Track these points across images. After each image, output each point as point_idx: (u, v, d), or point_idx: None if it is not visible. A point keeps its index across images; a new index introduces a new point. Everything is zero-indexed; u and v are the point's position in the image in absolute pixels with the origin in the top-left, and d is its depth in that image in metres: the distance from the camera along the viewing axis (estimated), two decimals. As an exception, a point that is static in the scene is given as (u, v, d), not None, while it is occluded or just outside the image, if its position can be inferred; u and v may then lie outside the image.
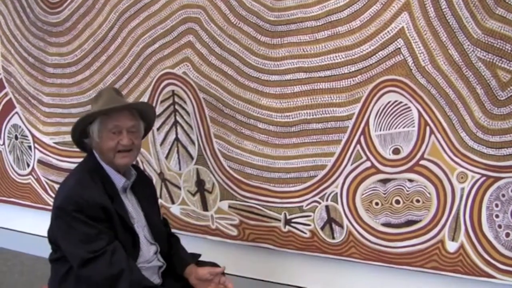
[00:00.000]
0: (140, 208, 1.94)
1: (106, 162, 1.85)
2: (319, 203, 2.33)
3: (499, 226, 2.01)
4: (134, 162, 2.00)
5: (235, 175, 2.51)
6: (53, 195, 3.13)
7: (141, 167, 2.76)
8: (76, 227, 1.70)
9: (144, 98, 2.70)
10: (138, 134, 1.90)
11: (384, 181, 2.18)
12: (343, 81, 2.18)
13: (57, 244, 1.81)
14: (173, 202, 2.74)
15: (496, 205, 2.01)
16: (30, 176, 3.31)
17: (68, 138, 3.05)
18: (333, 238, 2.33)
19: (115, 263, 1.68)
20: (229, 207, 2.56)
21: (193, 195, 2.67)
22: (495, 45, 1.91)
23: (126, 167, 1.89)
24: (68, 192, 1.75)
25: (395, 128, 2.12)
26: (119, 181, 1.85)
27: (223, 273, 1.98)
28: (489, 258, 2.04)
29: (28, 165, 3.30)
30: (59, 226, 1.75)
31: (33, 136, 3.24)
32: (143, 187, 2.00)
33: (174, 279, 1.97)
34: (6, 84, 3.31)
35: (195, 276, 1.94)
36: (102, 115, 1.81)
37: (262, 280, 2.61)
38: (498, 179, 1.99)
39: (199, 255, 2.08)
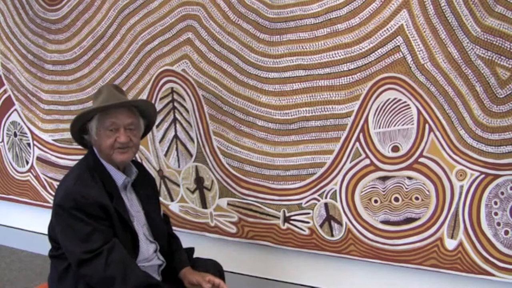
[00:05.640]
0: (141, 206, 1.93)
1: (105, 159, 1.84)
2: (318, 200, 2.33)
3: (498, 224, 2.02)
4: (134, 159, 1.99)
5: (234, 172, 2.51)
6: (52, 193, 3.14)
7: (140, 165, 2.77)
8: (74, 224, 1.69)
9: (143, 95, 2.70)
10: (137, 132, 1.88)
11: (383, 179, 2.18)
12: (342, 78, 2.18)
13: (57, 242, 1.81)
14: (172, 200, 2.74)
15: (495, 203, 2.01)
16: (29, 173, 3.30)
17: (67, 135, 3.07)
18: (332, 235, 2.33)
19: (110, 264, 1.66)
20: (228, 204, 2.56)
21: (192, 192, 2.67)
22: (494, 42, 1.91)
23: (124, 164, 1.88)
24: (67, 189, 1.74)
25: (394, 126, 2.12)
26: (119, 178, 1.85)
27: (222, 275, 1.98)
28: (488, 256, 2.04)
29: (27, 162, 3.30)
30: (58, 223, 1.75)
31: (32, 133, 3.24)
32: (145, 186, 1.99)
33: (174, 278, 1.97)
34: (5, 81, 3.30)
35: (188, 281, 1.93)
36: (100, 112, 1.80)
37: (261, 278, 2.61)
38: (497, 176, 1.99)
39: (193, 251, 2.07)
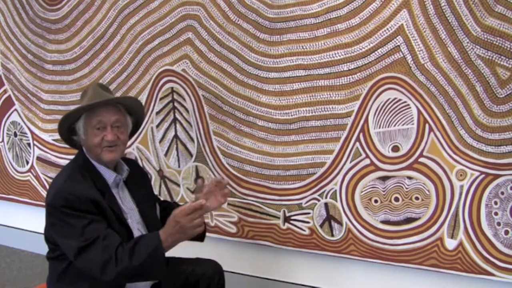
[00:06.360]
0: (135, 204, 1.93)
1: (95, 158, 1.85)
2: (318, 200, 2.33)
3: (498, 224, 2.02)
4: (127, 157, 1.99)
5: (234, 172, 2.51)
6: (52, 192, 3.14)
7: (140, 165, 2.76)
8: (68, 221, 1.69)
9: (143, 95, 2.70)
10: (124, 129, 1.88)
11: (383, 179, 2.18)
12: (342, 78, 2.18)
13: (53, 243, 1.81)
14: (172, 200, 2.73)
15: (495, 203, 2.01)
16: (29, 173, 3.31)
17: (67, 135, 3.07)
18: (332, 235, 2.33)
19: (107, 248, 1.65)
20: (228, 204, 2.56)
21: (192, 192, 2.67)
22: (494, 42, 1.91)
23: (113, 163, 1.88)
24: (57, 189, 1.75)
25: (394, 126, 2.12)
26: (110, 176, 1.85)
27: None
28: (488, 256, 2.04)
29: (27, 162, 3.30)
30: (52, 223, 1.75)
31: (32, 133, 3.24)
32: (138, 183, 1.99)
33: (174, 274, 1.96)
34: (5, 81, 3.31)
35: (202, 195, 1.98)
36: (86, 112, 1.81)
37: (261, 278, 2.61)
38: (497, 176, 1.99)
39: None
